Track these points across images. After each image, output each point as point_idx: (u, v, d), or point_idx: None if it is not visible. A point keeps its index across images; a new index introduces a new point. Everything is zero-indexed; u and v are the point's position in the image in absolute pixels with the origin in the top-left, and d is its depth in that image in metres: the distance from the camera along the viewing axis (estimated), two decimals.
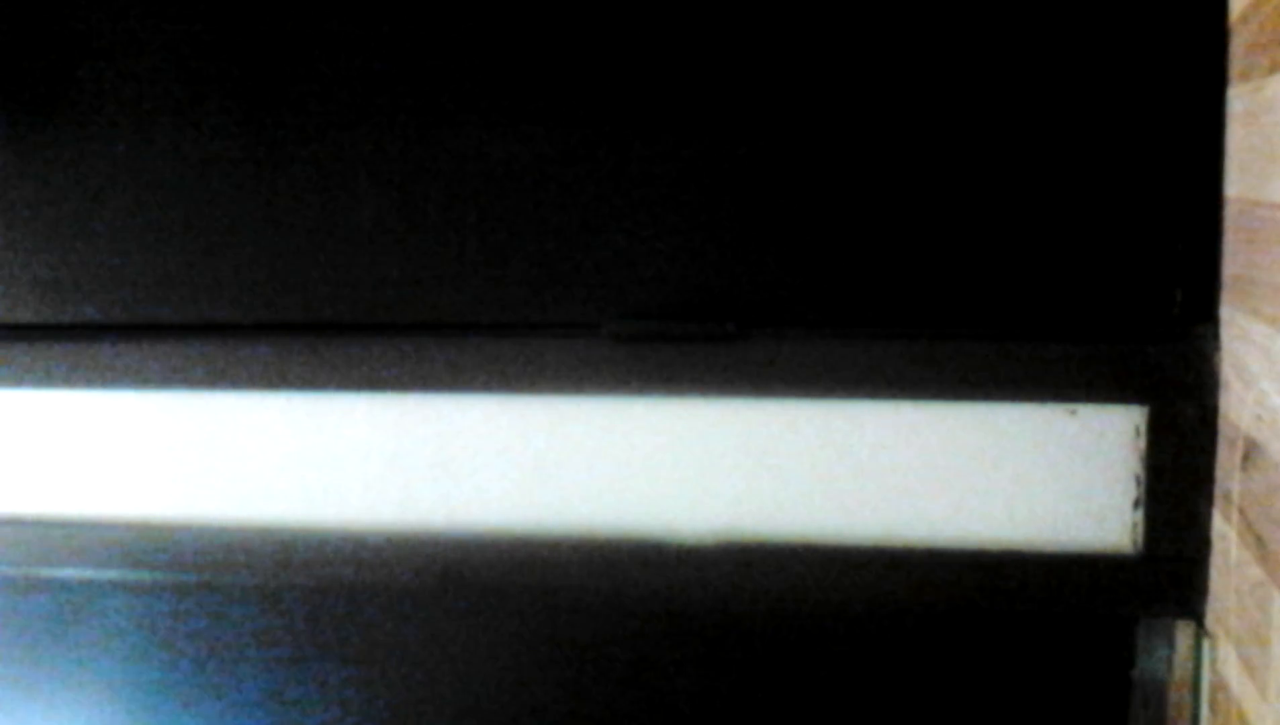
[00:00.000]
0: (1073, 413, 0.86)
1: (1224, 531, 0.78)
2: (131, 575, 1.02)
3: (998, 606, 0.88)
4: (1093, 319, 0.84)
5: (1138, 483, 0.85)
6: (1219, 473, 0.80)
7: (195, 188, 0.94)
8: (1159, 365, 0.83)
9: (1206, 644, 0.82)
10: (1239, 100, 0.75)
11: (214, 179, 0.94)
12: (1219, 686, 0.79)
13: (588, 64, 0.87)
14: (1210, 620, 0.81)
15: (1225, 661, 0.77)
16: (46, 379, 1.00)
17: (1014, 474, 0.87)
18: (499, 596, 0.96)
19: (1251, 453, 0.72)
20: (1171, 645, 0.85)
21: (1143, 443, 0.85)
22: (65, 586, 1.05)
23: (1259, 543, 0.69)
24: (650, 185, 0.88)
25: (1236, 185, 0.76)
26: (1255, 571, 0.70)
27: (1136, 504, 0.85)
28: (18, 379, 1.00)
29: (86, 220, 0.96)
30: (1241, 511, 0.74)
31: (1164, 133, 0.80)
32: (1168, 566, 0.84)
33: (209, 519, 1.00)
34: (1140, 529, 0.85)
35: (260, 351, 0.95)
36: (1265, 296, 0.69)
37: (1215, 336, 0.80)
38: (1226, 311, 0.79)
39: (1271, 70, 0.67)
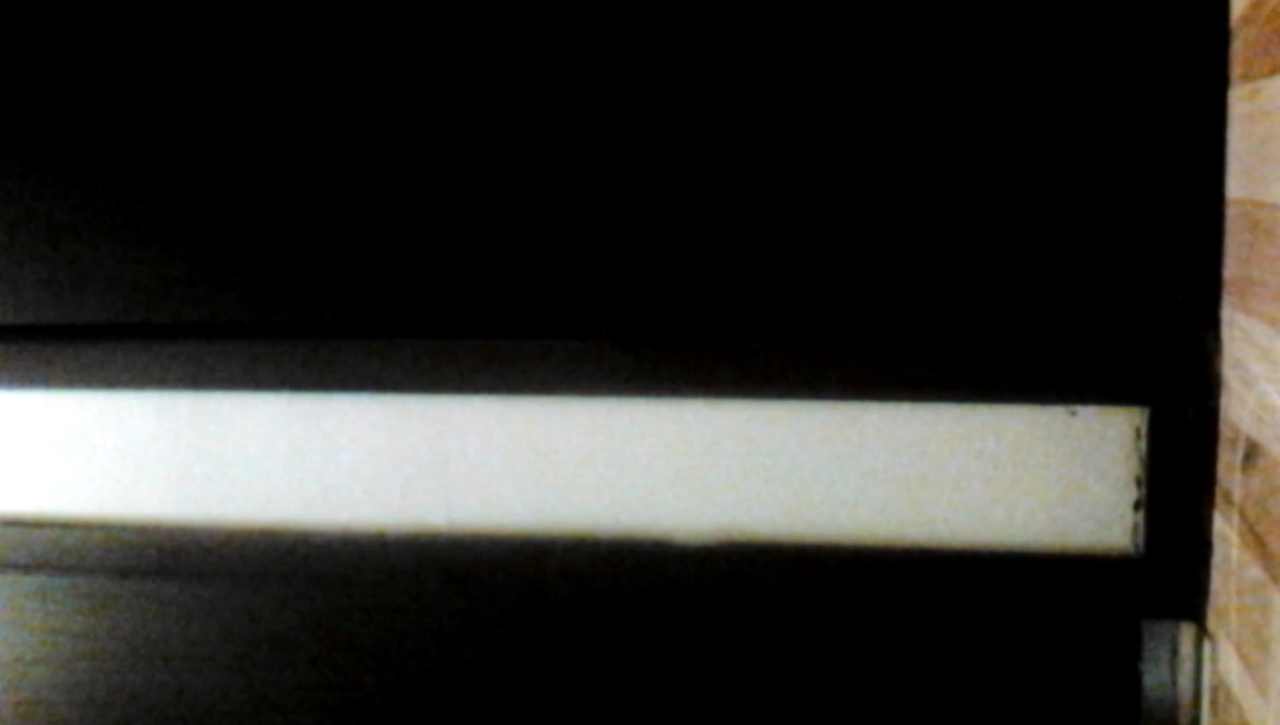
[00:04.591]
0: (1073, 413, 0.86)
1: (1225, 533, 0.78)
2: (131, 575, 1.02)
3: (998, 607, 0.88)
4: (1093, 320, 0.84)
5: (1138, 484, 0.85)
6: (1220, 474, 0.80)
7: (195, 187, 0.94)
8: (1159, 366, 0.83)
9: (1207, 645, 0.82)
10: (1240, 102, 0.75)
11: (214, 179, 0.94)
12: (1220, 687, 0.78)
13: (594, 65, 0.87)
14: (1211, 621, 0.81)
15: (1226, 662, 0.77)
16: (46, 379, 1.00)
17: (1014, 475, 0.87)
18: (499, 596, 0.96)
19: (1252, 454, 0.72)
20: (1173, 646, 0.85)
21: (1143, 444, 0.84)
22: (64, 585, 1.05)
23: (1260, 544, 0.69)
24: (653, 188, 0.88)
25: (1237, 186, 0.76)
26: (1256, 572, 0.70)
27: (1137, 505, 0.85)
28: (18, 379, 1.00)
29: (86, 220, 0.96)
30: (1242, 512, 0.74)
31: (1165, 134, 0.80)
32: (1168, 568, 0.84)
33: (209, 519, 1.00)
34: (1141, 530, 0.85)
35: (260, 351, 0.95)
36: (1265, 297, 0.69)
37: (1216, 337, 0.80)
38: (1227, 312, 0.79)
39: (1272, 72, 0.67)
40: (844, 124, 0.85)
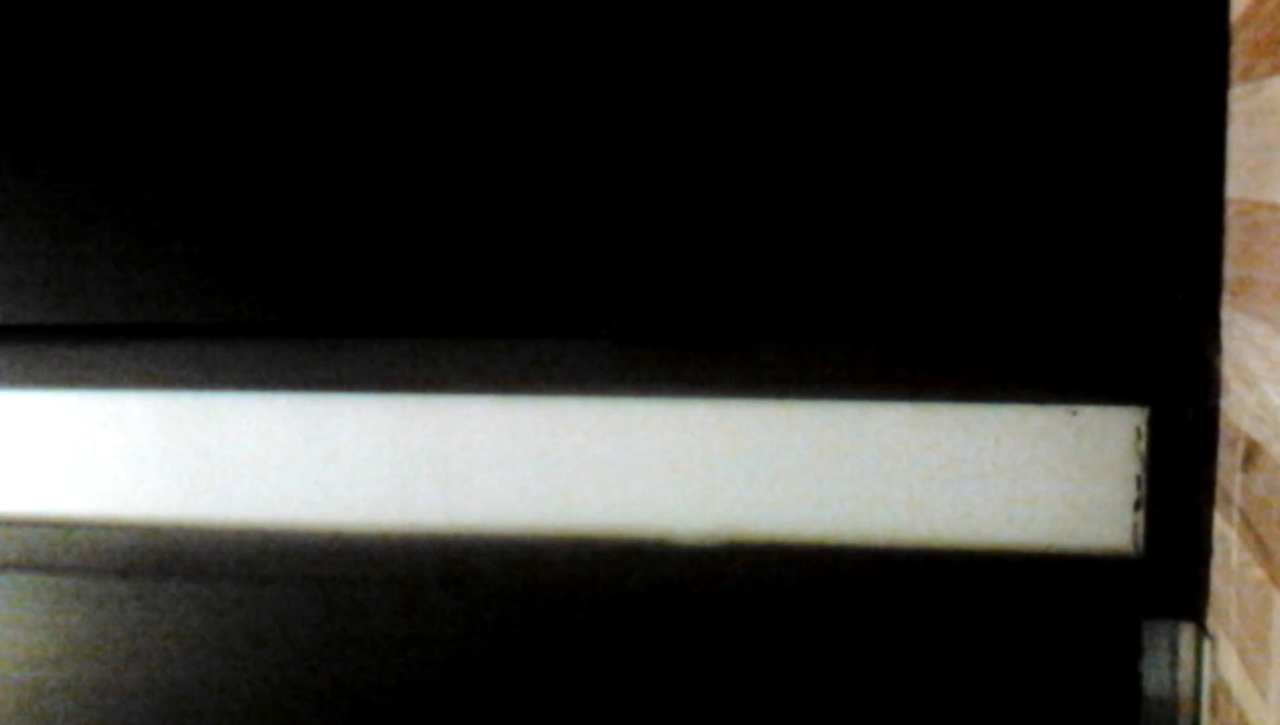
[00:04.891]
0: (1073, 413, 0.86)
1: (1225, 532, 0.78)
2: (131, 575, 1.02)
3: (998, 607, 0.88)
4: (1093, 320, 0.84)
5: (1138, 484, 0.85)
6: (1220, 474, 0.80)
7: (195, 188, 0.94)
8: (1160, 366, 0.83)
9: (1207, 645, 0.82)
10: (1240, 101, 0.75)
11: (214, 179, 0.94)
12: (1220, 688, 0.78)
13: (594, 66, 0.87)
14: (1211, 621, 0.81)
15: (1226, 663, 0.77)
16: (46, 379, 1.00)
17: (1014, 475, 0.87)
18: (499, 596, 0.96)
19: (1252, 454, 0.72)
20: (1173, 646, 0.85)
21: (1143, 444, 0.84)
22: (64, 585, 1.05)
23: (1260, 544, 0.69)
24: (654, 188, 0.88)
25: (1237, 186, 0.76)
26: (1256, 572, 0.70)
27: (1137, 505, 0.85)
28: (18, 379, 1.00)
29: (87, 220, 0.96)
30: (1242, 513, 0.74)
31: (1165, 134, 0.80)
32: (1168, 568, 0.84)
33: (209, 519, 1.00)
34: (1141, 530, 0.85)
35: (260, 351, 0.95)
36: (1266, 297, 0.69)
37: (1216, 337, 0.80)
38: (1227, 312, 0.79)
39: (1272, 71, 0.67)
40: (844, 124, 0.85)
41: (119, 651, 1.04)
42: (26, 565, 1.03)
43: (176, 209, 0.95)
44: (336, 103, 0.91)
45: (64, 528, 1.02)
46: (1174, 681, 0.85)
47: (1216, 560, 0.80)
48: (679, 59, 0.86)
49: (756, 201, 0.87)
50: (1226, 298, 0.79)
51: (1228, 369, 0.78)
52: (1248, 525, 0.72)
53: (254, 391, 0.97)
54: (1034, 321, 0.85)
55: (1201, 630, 0.83)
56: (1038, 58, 0.81)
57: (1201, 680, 0.83)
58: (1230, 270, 0.78)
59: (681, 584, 0.92)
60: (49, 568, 1.03)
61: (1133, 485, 0.85)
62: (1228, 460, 0.78)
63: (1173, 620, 0.85)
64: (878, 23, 0.83)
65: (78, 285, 0.97)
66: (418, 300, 0.93)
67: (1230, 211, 0.78)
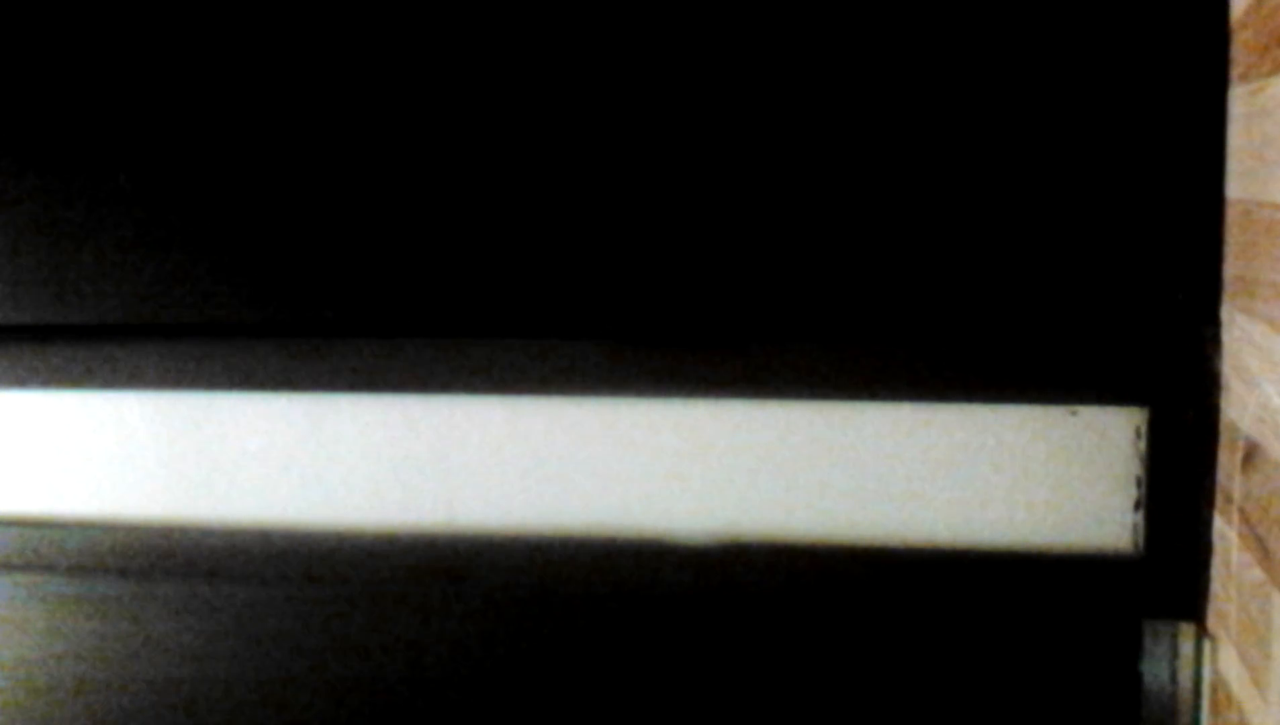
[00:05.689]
0: (1073, 413, 0.86)
1: (1225, 533, 0.78)
2: (131, 575, 1.02)
3: (998, 607, 0.88)
4: (1093, 320, 0.84)
5: (1138, 484, 0.85)
6: (1220, 474, 0.80)
7: (195, 187, 0.94)
8: (1160, 366, 0.83)
9: (1207, 645, 0.82)
10: (1239, 101, 0.75)
11: (214, 178, 0.94)
12: (1220, 688, 0.78)
13: (595, 66, 0.87)
14: (1211, 622, 0.81)
15: (1226, 663, 0.77)
16: (46, 379, 1.00)
17: (1014, 475, 0.87)
18: (499, 596, 0.96)
19: (1252, 454, 0.72)
20: (1173, 646, 0.85)
21: (1143, 444, 0.84)
22: (64, 585, 1.05)
23: (1260, 544, 0.69)
24: (654, 188, 0.88)
25: (1237, 186, 0.76)
26: (1256, 573, 0.70)
27: (1137, 505, 0.85)
28: (18, 379, 1.00)
29: (87, 220, 0.96)
30: (1242, 513, 0.74)
31: (1165, 134, 0.80)
32: (1168, 568, 0.84)
33: (209, 519, 1.00)
34: (1141, 530, 0.85)
35: (260, 351, 0.95)
36: (1266, 297, 0.69)
37: (1216, 338, 0.80)
38: (1227, 312, 0.79)
39: (1272, 71, 0.67)
40: (844, 124, 0.85)
41: (119, 651, 1.04)
42: (26, 565, 1.03)
43: (176, 209, 0.95)
44: (337, 103, 0.91)
45: (64, 528, 1.02)
46: (1174, 681, 0.85)
47: (1216, 560, 0.80)
48: (681, 60, 0.86)
49: (757, 202, 0.87)
50: (1226, 298, 0.79)
51: (1228, 369, 0.78)
52: (1248, 525, 0.72)
53: (254, 391, 0.97)
54: (1034, 322, 0.85)
55: (1201, 630, 0.83)
56: (1038, 59, 0.81)
57: (1201, 680, 0.83)
58: (1230, 270, 0.78)
59: (681, 584, 0.92)
60: (49, 568, 1.03)
61: (1133, 485, 0.85)
62: (1228, 460, 0.78)
63: (1173, 620, 0.85)
64: (878, 22, 0.83)
65: (78, 285, 0.97)
66: (417, 300, 0.93)
67: (1230, 211, 0.78)
